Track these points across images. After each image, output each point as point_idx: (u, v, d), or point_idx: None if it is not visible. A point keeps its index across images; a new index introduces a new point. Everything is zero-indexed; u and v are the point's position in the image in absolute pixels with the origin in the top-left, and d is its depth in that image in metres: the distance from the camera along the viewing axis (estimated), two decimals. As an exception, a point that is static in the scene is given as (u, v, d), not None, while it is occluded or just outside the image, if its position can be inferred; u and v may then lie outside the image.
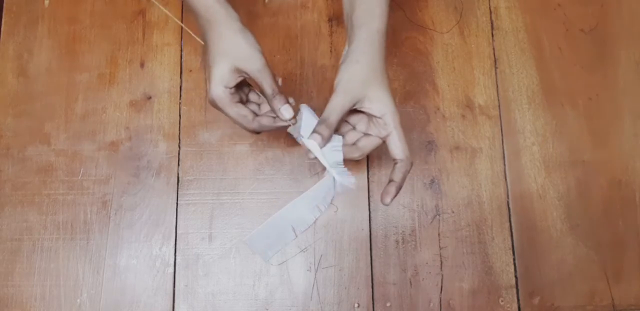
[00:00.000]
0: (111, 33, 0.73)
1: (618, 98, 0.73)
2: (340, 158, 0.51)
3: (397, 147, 0.51)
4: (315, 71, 0.71)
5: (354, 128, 0.55)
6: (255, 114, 0.55)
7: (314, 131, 0.50)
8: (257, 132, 0.56)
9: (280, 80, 0.54)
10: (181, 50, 0.72)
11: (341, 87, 0.51)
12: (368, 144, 0.53)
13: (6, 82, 0.71)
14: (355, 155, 0.52)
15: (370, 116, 0.53)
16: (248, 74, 0.52)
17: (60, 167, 0.68)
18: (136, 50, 0.72)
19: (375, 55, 0.52)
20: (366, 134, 0.53)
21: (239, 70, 0.52)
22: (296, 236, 0.54)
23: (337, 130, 0.52)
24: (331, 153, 0.51)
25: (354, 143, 0.53)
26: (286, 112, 0.52)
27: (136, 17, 0.73)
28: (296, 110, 0.53)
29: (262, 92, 0.53)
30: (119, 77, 0.71)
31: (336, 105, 0.50)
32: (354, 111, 0.53)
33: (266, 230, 0.52)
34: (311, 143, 0.50)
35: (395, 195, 0.51)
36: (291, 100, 0.54)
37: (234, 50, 0.52)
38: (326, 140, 0.50)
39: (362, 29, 0.53)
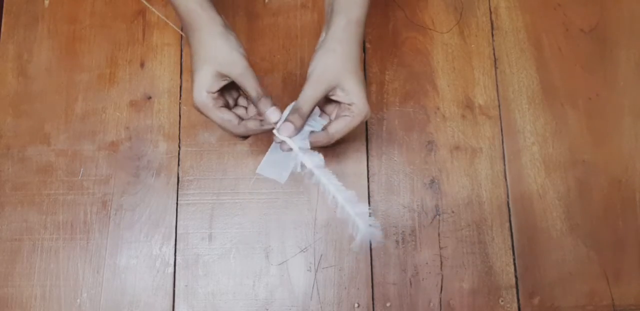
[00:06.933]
0: (111, 33, 0.73)
1: (618, 98, 0.73)
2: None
3: (338, 126, 0.52)
4: (315, 71, 0.71)
5: (329, 118, 0.55)
6: (241, 118, 0.53)
7: (287, 120, 0.50)
8: (245, 137, 0.55)
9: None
10: (181, 50, 0.72)
11: (315, 76, 0.51)
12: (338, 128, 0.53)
13: (6, 82, 0.71)
14: (324, 141, 0.53)
15: (340, 103, 0.53)
16: (231, 78, 0.51)
17: (60, 167, 0.68)
18: (136, 50, 0.72)
19: (352, 45, 0.51)
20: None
21: (222, 75, 0.51)
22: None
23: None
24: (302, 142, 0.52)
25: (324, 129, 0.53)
26: (272, 115, 0.51)
27: (136, 17, 0.73)
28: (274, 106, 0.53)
29: (247, 96, 0.52)
30: (119, 77, 0.71)
31: (310, 95, 0.50)
32: (327, 100, 0.53)
33: (271, 157, 0.54)
34: (282, 135, 0.51)
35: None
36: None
37: (215, 55, 0.51)
38: (298, 130, 0.50)
39: (340, 16, 0.51)
